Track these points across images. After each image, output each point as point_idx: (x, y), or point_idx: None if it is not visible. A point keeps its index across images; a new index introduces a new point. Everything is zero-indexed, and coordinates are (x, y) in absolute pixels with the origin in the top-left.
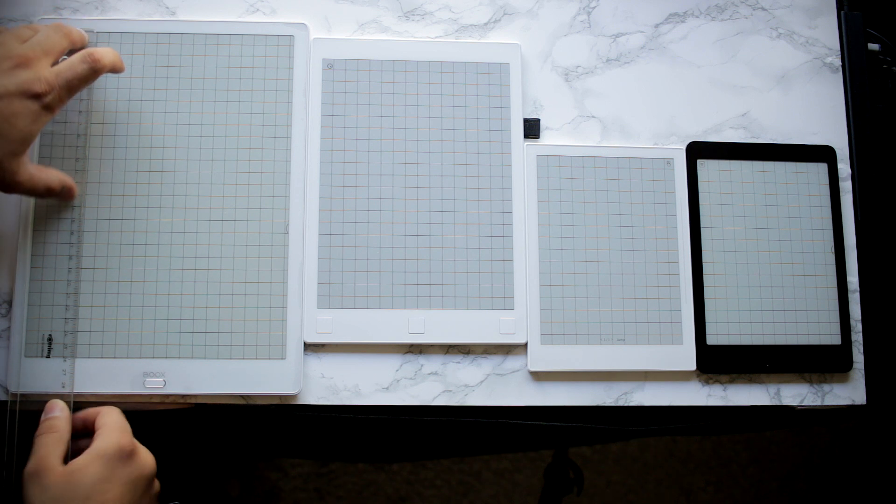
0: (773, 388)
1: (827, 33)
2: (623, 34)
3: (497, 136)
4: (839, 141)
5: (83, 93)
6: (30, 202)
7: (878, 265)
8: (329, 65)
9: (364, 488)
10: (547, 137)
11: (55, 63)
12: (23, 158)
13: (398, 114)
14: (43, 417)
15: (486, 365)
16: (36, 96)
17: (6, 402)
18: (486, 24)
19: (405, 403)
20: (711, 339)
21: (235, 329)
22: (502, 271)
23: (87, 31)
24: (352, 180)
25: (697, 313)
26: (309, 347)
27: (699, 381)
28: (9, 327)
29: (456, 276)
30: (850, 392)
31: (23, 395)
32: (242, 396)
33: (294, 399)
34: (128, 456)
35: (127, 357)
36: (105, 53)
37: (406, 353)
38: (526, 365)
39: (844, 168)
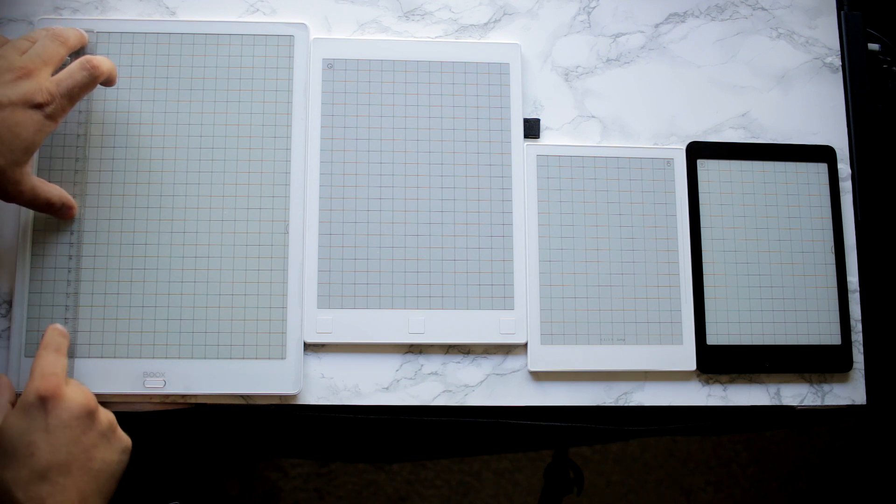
0: (773, 388)
1: (827, 33)
2: (623, 34)
3: (497, 136)
4: (839, 141)
5: None
6: None
7: (878, 265)
8: (329, 65)
9: (364, 488)
10: (547, 137)
11: (55, 72)
12: (25, 169)
13: (398, 114)
14: None
15: (486, 365)
16: (38, 106)
17: None
18: (486, 24)
19: (405, 403)
20: (711, 339)
21: (235, 329)
22: (502, 271)
23: (87, 31)
24: (352, 180)
25: (697, 313)
26: (309, 347)
27: (699, 381)
28: (9, 327)
29: (456, 276)
30: (850, 392)
31: None
32: (242, 396)
33: (294, 399)
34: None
35: (127, 357)
36: (103, 61)
37: (406, 353)
38: (526, 365)
39: (844, 168)
